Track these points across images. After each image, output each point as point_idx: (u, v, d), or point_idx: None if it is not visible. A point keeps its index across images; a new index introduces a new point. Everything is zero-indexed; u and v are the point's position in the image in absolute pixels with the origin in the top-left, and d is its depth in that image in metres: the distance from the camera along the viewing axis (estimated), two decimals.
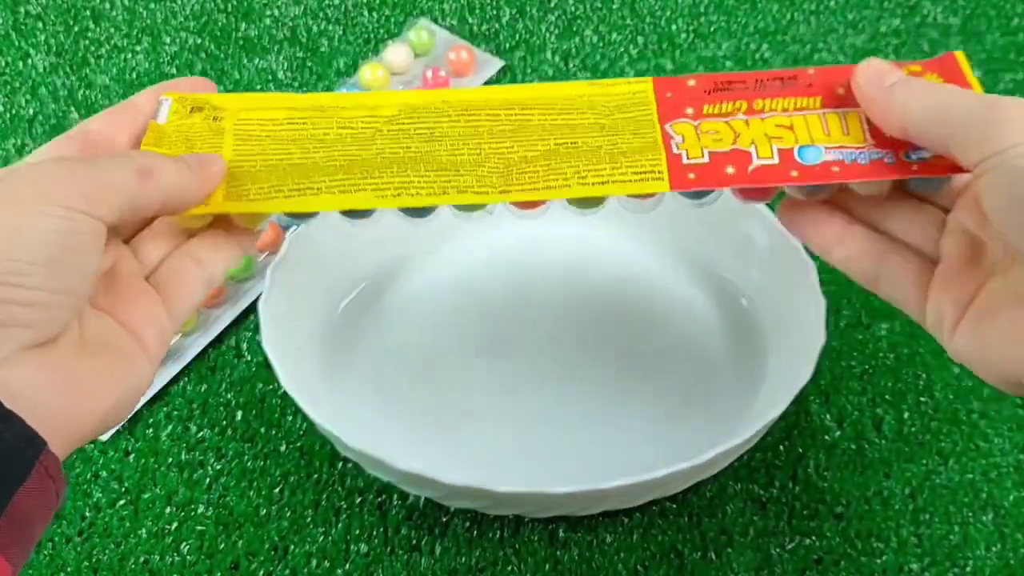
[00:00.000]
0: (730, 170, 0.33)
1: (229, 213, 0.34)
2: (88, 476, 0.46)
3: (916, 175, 0.32)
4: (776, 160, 0.33)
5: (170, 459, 0.46)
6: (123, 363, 0.31)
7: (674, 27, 0.65)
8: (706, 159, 0.33)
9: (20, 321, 0.27)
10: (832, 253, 0.35)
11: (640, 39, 0.64)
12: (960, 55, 0.34)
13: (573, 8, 0.66)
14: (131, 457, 0.46)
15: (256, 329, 0.50)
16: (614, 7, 0.66)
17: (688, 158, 0.33)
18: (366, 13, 0.66)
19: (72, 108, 0.61)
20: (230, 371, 0.49)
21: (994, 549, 0.43)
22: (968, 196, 0.32)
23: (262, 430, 0.47)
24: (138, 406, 0.47)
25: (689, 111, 0.34)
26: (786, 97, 0.34)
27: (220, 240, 0.35)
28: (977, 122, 0.29)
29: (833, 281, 0.52)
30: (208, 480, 0.45)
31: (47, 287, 0.27)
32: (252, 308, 0.51)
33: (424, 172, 0.34)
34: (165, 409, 0.48)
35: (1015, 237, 0.29)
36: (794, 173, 0.33)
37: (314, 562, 0.43)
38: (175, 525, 0.44)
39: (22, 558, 0.26)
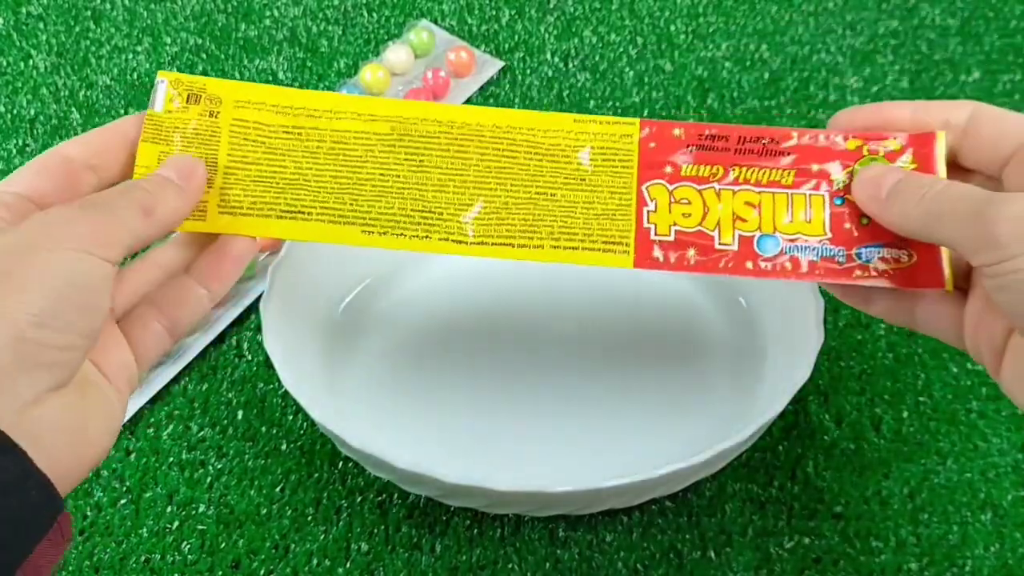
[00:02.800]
0: (691, 253, 0.35)
1: (223, 233, 0.35)
2: (90, 475, 0.46)
3: (856, 281, 0.35)
4: (735, 247, 0.35)
5: (171, 458, 0.46)
6: (107, 405, 0.32)
7: (673, 28, 0.65)
8: (672, 237, 0.35)
9: (47, 362, 0.28)
10: (868, 309, 0.36)
11: (639, 40, 0.65)
12: (941, 137, 0.34)
13: (572, 9, 0.66)
14: (132, 456, 0.46)
15: (257, 328, 0.51)
16: (613, 8, 0.66)
17: (656, 233, 0.35)
18: (366, 14, 0.67)
19: (73, 108, 0.61)
20: (231, 370, 0.49)
21: (992, 549, 0.43)
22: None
23: (263, 429, 0.47)
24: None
25: (668, 169, 0.36)
26: (762, 168, 0.36)
27: (185, 291, 0.35)
28: (971, 233, 0.29)
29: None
30: (209, 479, 0.46)
31: (73, 328, 0.28)
32: (253, 307, 0.51)
33: (410, 212, 0.36)
34: (166, 408, 0.48)
35: None
36: (749, 265, 0.35)
37: (315, 560, 0.43)
38: (176, 524, 0.44)
39: None
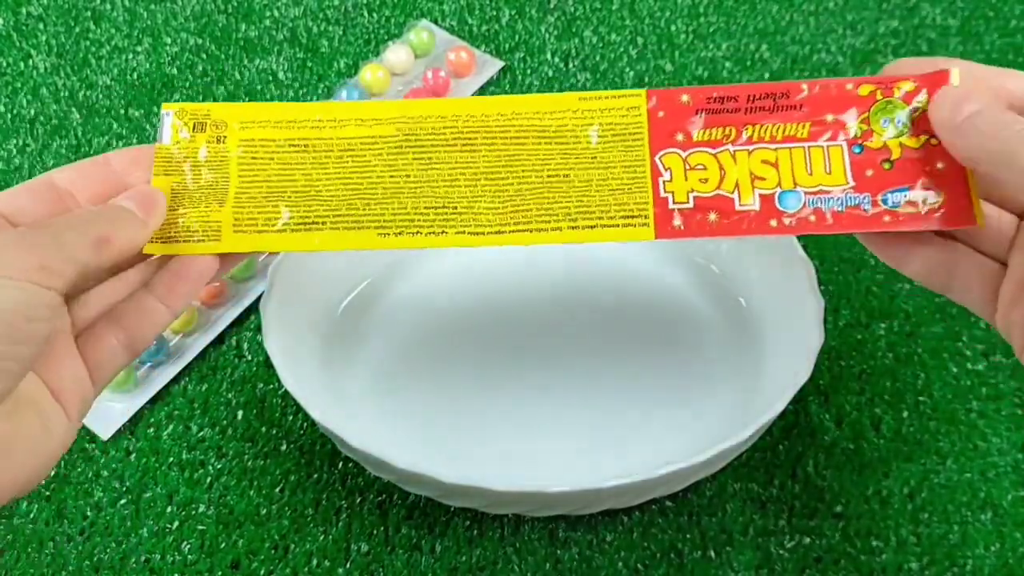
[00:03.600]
0: (712, 217, 0.35)
1: (240, 252, 0.35)
2: (89, 475, 0.46)
3: (885, 228, 0.34)
4: (757, 207, 0.34)
5: (171, 458, 0.46)
6: (45, 428, 0.31)
7: (673, 28, 0.65)
8: (691, 204, 0.35)
9: None
10: (905, 267, 0.35)
11: (640, 40, 0.64)
12: (955, 73, 0.34)
13: (572, 9, 0.66)
14: (132, 456, 0.46)
15: (257, 329, 0.51)
16: (613, 8, 0.66)
17: (674, 202, 0.35)
18: (366, 14, 0.66)
19: (73, 109, 0.61)
20: (231, 370, 0.49)
21: (992, 548, 0.43)
22: None
23: (263, 429, 0.47)
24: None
25: (679, 137, 0.35)
26: (775, 123, 0.35)
27: (144, 308, 0.35)
28: None
29: (832, 281, 0.52)
30: (209, 479, 0.46)
31: (2, 359, 0.27)
32: (253, 308, 0.51)
33: (424, 210, 0.35)
34: (166, 409, 0.48)
35: None
36: (773, 223, 0.34)
37: (315, 561, 0.43)
38: (176, 524, 0.44)
39: None
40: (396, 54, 0.61)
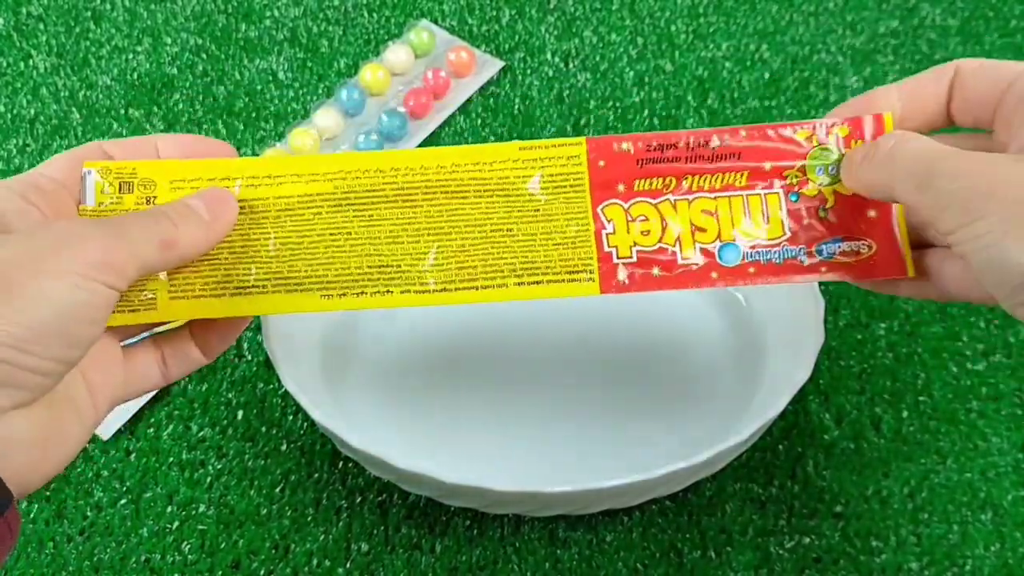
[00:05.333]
0: (656, 272, 0.35)
1: (178, 319, 0.35)
2: (89, 475, 0.46)
3: (822, 278, 0.35)
4: (699, 261, 0.35)
5: (171, 458, 0.46)
6: (77, 421, 0.31)
7: (673, 28, 0.65)
8: (634, 258, 0.35)
9: (18, 383, 0.27)
10: (897, 292, 0.36)
11: (639, 40, 0.64)
12: (888, 118, 0.35)
13: (572, 9, 0.66)
14: (132, 456, 0.46)
15: (257, 329, 0.51)
16: (613, 8, 0.66)
17: (618, 256, 0.35)
18: (366, 14, 0.67)
19: (73, 109, 0.61)
20: (231, 370, 0.49)
21: (992, 548, 0.43)
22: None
23: (263, 429, 0.47)
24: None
25: (620, 188, 0.36)
26: (714, 174, 0.36)
27: (182, 351, 0.36)
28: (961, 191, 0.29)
29: (832, 281, 0.52)
30: (209, 479, 0.46)
31: (53, 356, 0.28)
32: None
33: (367, 269, 0.35)
34: (166, 408, 0.48)
35: (1000, 297, 0.29)
36: (714, 275, 0.35)
37: (315, 560, 0.43)
38: (176, 524, 0.44)
39: None
40: (396, 54, 0.61)
